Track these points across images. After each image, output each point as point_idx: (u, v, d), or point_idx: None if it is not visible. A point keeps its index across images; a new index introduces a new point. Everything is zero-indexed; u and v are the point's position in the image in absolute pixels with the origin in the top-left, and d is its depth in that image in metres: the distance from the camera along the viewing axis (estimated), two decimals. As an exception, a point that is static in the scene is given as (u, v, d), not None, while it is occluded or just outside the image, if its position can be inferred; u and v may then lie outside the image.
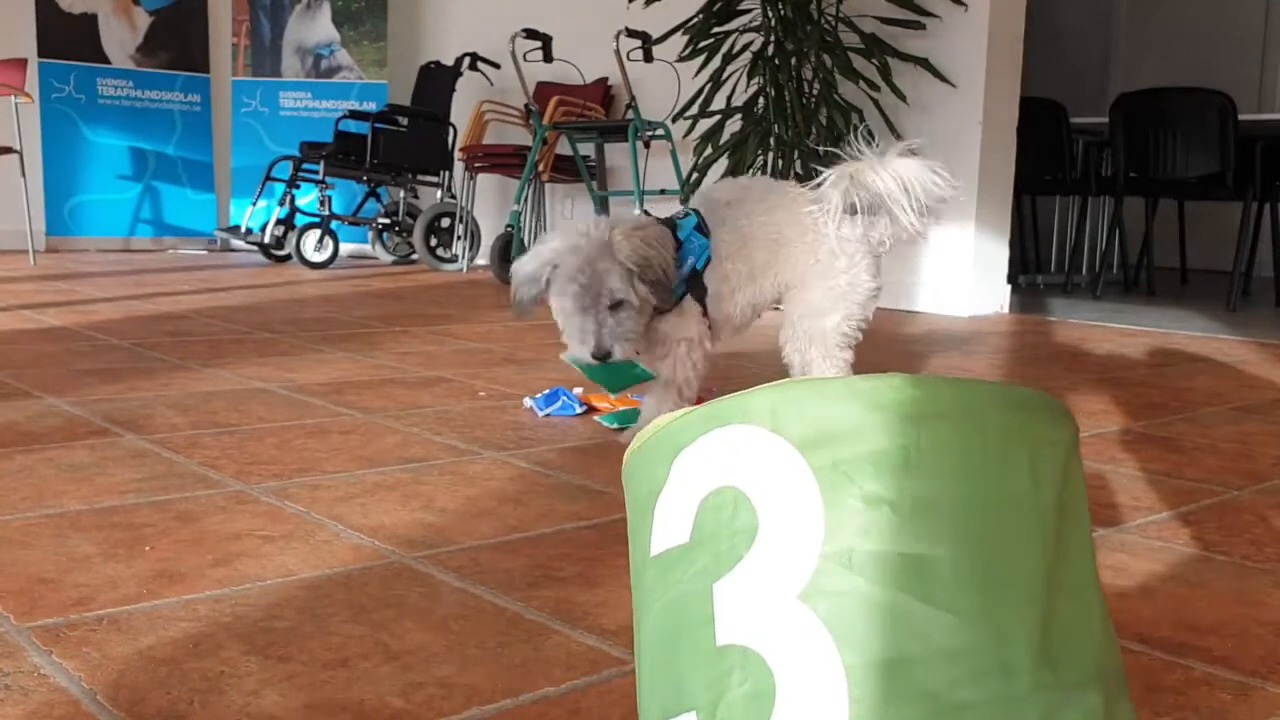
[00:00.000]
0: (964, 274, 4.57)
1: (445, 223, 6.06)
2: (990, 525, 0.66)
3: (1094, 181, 5.88)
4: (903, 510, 0.65)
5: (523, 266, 1.89)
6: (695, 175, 4.67)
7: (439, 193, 6.18)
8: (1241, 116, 4.93)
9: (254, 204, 6.03)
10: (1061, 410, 0.73)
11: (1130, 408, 2.49)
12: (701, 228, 1.98)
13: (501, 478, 1.72)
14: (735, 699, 0.65)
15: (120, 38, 6.68)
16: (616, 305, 1.82)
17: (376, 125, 5.83)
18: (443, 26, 6.94)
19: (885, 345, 3.50)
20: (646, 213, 1.96)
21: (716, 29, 4.67)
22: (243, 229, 6.07)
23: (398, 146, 5.93)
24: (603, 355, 1.81)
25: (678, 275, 1.89)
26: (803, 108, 4.49)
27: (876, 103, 4.48)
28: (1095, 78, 8.04)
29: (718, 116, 4.67)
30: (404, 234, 6.22)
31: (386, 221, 6.20)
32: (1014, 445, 0.68)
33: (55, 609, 1.14)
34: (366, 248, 6.59)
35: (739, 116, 4.66)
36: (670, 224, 1.97)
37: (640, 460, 0.76)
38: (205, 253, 6.75)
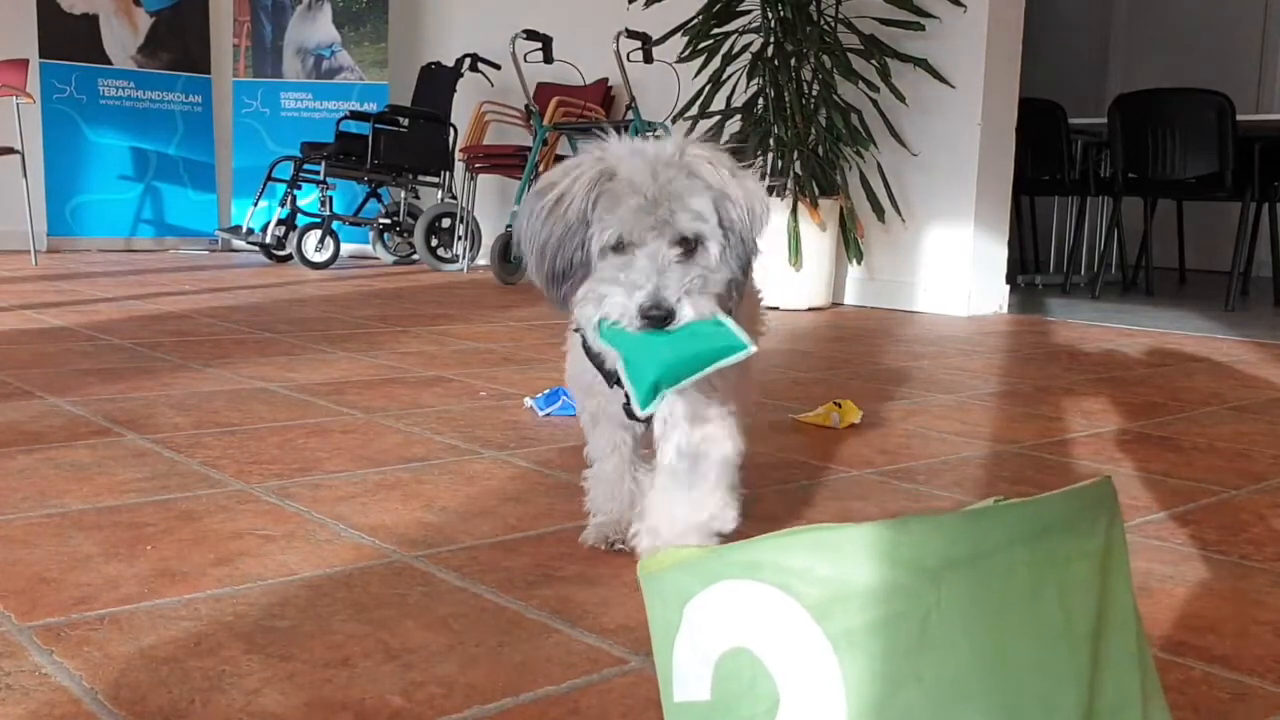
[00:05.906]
0: (963, 274, 4.57)
1: (446, 223, 6.06)
2: (1021, 677, 0.63)
3: (1092, 182, 5.88)
4: (925, 681, 0.62)
5: (549, 188, 1.17)
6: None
7: (440, 193, 6.18)
8: (1240, 117, 4.93)
9: (255, 204, 6.04)
10: (1093, 502, 0.67)
11: (1128, 407, 2.50)
12: None
13: (502, 477, 1.73)
14: None
15: (121, 38, 6.68)
16: (693, 247, 1.14)
17: (377, 126, 5.84)
18: (443, 27, 6.95)
19: (884, 346, 3.51)
20: None
21: (716, 30, 4.67)
22: (244, 229, 6.08)
23: (398, 147, 5.93)
24: (662, 313, 1.10)
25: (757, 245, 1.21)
26: (802, 108, 4.49)
27: (876, 103, 4.49)
28: (1094, 78, 8.05)
29: (717, 117, 4.68)
30: (405, 234, 6.23)
31: (387, 222, 6.21)
32: (1043, 578, 0.65)
33: (57, 608, 1.14)
34: (367, 248, 6.59)
35: (739, 117, 4.67)
36: None
37: (655, 588, 0.72)
38: (206, 253, 6.75)
